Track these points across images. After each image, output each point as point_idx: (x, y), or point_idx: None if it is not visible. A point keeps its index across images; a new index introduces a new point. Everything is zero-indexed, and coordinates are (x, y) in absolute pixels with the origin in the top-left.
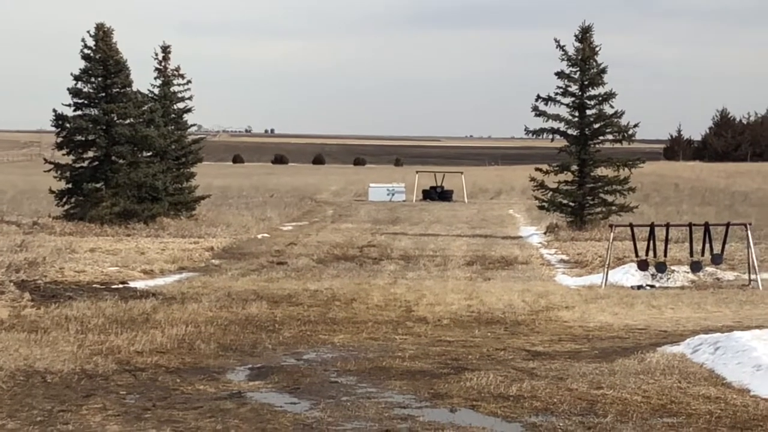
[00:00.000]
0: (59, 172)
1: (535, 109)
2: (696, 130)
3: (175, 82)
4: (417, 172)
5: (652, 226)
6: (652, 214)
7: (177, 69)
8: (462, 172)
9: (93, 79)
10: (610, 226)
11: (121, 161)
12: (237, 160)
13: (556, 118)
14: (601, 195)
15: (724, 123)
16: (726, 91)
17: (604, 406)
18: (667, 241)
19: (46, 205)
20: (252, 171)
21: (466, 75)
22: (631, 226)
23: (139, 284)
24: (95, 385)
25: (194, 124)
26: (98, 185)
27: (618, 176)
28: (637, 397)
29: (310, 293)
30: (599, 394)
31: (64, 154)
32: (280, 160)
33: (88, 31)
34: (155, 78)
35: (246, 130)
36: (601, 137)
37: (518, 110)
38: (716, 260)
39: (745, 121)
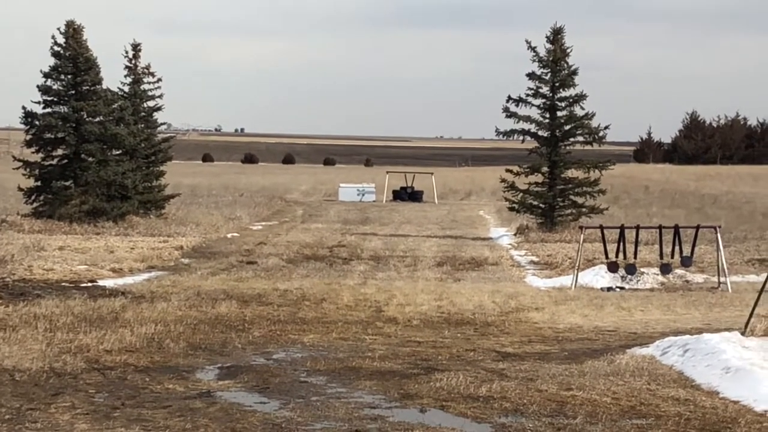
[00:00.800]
0: (28, 169)
1: (505, 110)
2: (666, 132)
3: (145, 80)
4: (387, 172)
5: (622, 228)
6: (622, 216)
7: (147, 67)
8: (432, 173)
9: (63, 77)
10: (580, 227)
11: (90, 159)
12: (207, 159)
13: (527, 119)
14: (572, 197)
15: (694, 126)
16: (696, 94)
17: (574, 408)
18: (636, 243)
19: (15, 202)
20: (222, 170)
21: (437, 75)
22: (601, 227)
23: (108, 283)
24: (64, 383)
25: (164, 123)
26: (67, 183)
27: (588, 178)
28: (606, 398)
29: (279, 293)
30: (569, 395)
31: (33, 152)
32: (249, 159)
33: (59, 29)
34: (125, 76)
35: (216, 129)
36: (571, 139)
37: (489, 111)
38: (686, 262)
39: (714, 124)
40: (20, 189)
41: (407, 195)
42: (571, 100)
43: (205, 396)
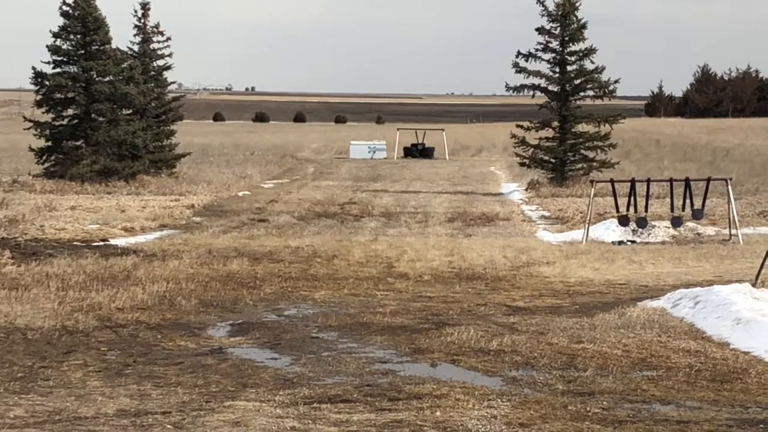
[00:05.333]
0: (39, 130)
1: (515, 65)
2: (677, 86)
3: (154, 39)
4: (398, 129)
5: (632, 182)
6: (634, 170)
7: (156, 26)
8: (443, 130)
9: (72, 37)
10: (591, 182)
11: (100, 119)
12: (218, 118)
13: (537, 74)
14: (582, 151)
15: (705, 79)
16: (707, 47)
17: (585, 360)
18: (647, 196)
19: (26, 163)
20: (233, 129)
21: (448, 32)
22: (612, 181)
23: (120, 242)
24: (76, 341)
25: (174, 82)
26: (78, 143)
27: (599, 132)
28: (617, 351)
29: (291, 250)
30: (579, 348)
31: (43, 112)
32: (260, 118)
33: None
34: (134, 35)
35: (226, 88)
36: (581, 93)
37: (500, 68)
38: (697, 215)
39: (726, 77)
40: (31, 149)
41: (418, 152)
42: (580, 54)
43: (216, 352)
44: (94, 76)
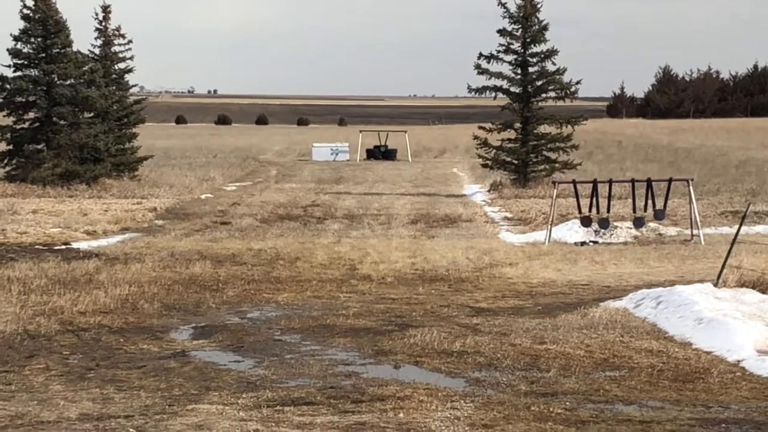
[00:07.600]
0: (0, 134)
1: (477, 67)
2: (639, 87)
3: (115, 42)
4: (361, 131)
5: (595, 183)
6: (596, 171)
7: (118, 29)
8: (406, 131)
9: (33, 40)
10: (553, 182)
11: (62, 122)
12: (180, 120)
13: (499, 75)
14: (545, 152)
15: (666, 80)
16: (668, 49)
17: (547, 361)
18: (610, 197)
19: None
20: (195, 132)
21: (410, 34)
22: (574, 182)
23: (82, 245)
24: (38, 345)
25: (135, 85)
26: (40, 147)
27: (561, 134)
28: (580, 351)
29: (254, 252)
30: (542, 349)
31: (4, 116)
32: (223, 120)
33: None
34: (96, 38)
35: (189, 91)
36: (543, 95)
37: (462, 69)
38: (659, 216)
39: (687, 78)
40: None
41: (381, 154)
42: (542, 56)
43: (179, 356)
44: (56, 79)
